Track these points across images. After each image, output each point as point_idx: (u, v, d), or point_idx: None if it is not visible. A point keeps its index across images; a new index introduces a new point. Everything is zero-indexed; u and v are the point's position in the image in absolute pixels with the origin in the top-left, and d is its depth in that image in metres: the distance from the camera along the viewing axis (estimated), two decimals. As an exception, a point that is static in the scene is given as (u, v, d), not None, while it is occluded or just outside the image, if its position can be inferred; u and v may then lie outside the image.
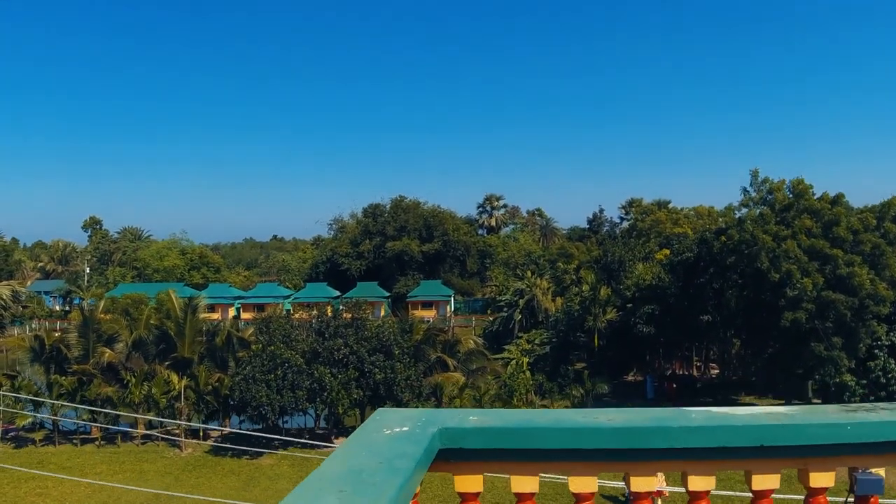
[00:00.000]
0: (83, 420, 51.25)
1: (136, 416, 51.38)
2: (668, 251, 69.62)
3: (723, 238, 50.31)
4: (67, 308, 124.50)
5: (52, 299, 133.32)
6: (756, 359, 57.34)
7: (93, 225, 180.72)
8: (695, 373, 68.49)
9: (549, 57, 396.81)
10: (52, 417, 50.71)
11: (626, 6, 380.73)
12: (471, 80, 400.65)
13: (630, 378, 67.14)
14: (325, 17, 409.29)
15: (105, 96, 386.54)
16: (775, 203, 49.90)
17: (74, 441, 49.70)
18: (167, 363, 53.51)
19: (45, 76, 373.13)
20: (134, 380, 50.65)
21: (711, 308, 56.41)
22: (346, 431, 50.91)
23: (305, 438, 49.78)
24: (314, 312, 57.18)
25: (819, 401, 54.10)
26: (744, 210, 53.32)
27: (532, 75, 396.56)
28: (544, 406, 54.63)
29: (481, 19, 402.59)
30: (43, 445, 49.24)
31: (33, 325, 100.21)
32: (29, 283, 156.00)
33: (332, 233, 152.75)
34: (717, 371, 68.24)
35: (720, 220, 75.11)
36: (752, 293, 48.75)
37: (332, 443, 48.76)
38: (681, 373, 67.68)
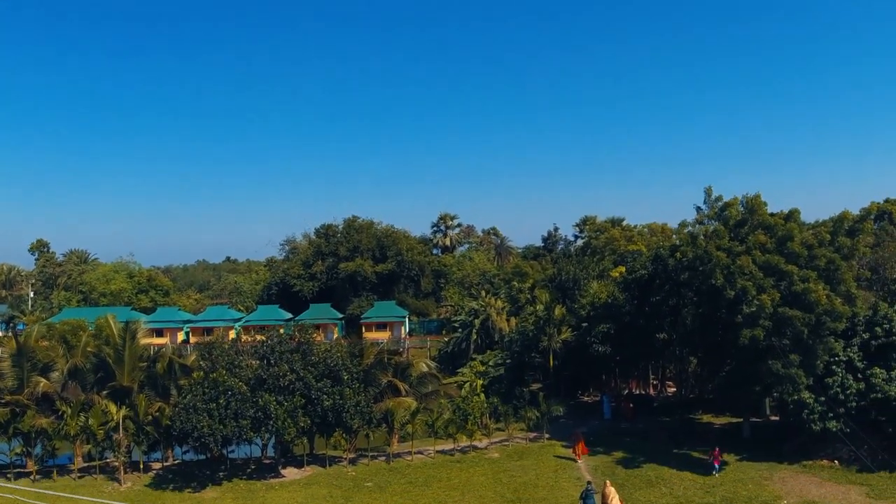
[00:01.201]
0: (17, 453, 48.58)
1: (73, 448, 49.04)
2: (622, 269, 68.86)
3: (677, 255, 49.41)
4: (10, 334, 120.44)
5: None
6: (713, 376, 56.66)
7: (40, 248, 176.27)
8: (651, 391, 67.72)
9: (503, 77, 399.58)
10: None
11: (585, 30, 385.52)
12: (423, 98, 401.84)
13: (586, 398, 66.13)
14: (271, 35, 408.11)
15: (58, 115, 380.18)
16: (729, 219, 49.23)
17: (7, 475, 47.00)
18: (105, 392, 51.07)
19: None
20: (70, 410, 48.20)
21: (667, 326, 55.60)
22: (294, 461, 49.07)
23: (251, 469, 47.91)
24: (261, 337, 55.07)
25: (777, 418, 53.51)
26: (698, 227, 52.47)
27: (485, 94, 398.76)
28: (499, 430, 53.30)
29: (435, 35, 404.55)
30: (-28, 481, 46.58)
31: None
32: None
33: (285, 254, 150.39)
34: (673, 389, 67.52)
35: (674, 236, 74.66)
36: (708, 310, 47.90)
37: (280, 473, 46.86)
38: (637, 392, 66.87)
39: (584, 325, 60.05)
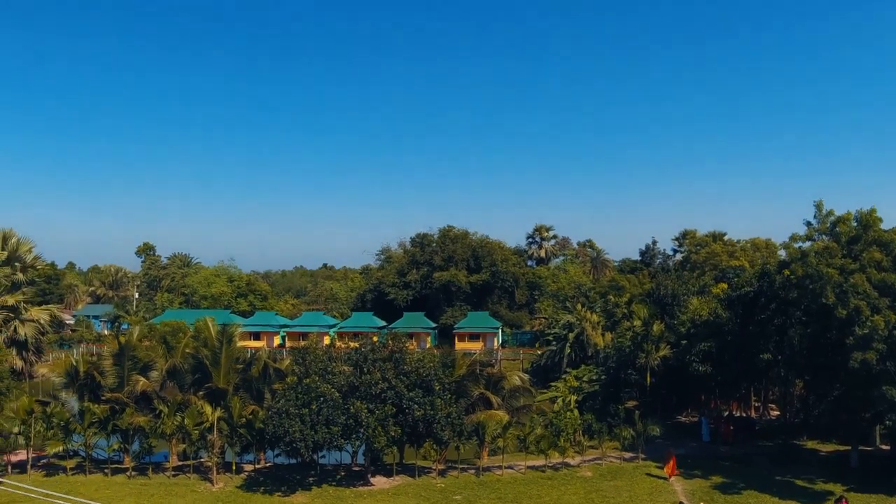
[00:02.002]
0: (115, 449, 49.78)
1: (169, 446, 50.01)
2: (725, 285, 66.34)
3: (785, 272, 47.13)
4: (118, 332, 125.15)
5: (101, 323, 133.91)
6: (820, 401, 53.84)
7: (146, 251, 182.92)
8: (753, 414, 64.92)
9: (601, 90, 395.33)
10: (82, 446, 49.39)
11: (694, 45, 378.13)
12: (523, 113, 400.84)
13: (684, 419, 63.87)
14: (365, 49, 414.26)
15: (168, 128, 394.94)
16: (841, 235, 46.72)
17: (106, 471, 48.20)
18: (202, 393, 52.00)
19: (105, 108, 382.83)
20: (167, 409, 49.20)
21: (772, 346, 53.12)
22: (384, 470, 48.76)
23: (341, 475, 47.84)
24: (354, 344, 55.09)
25: (888, 447, 50.48)
26: (807, 242, 49.90)
27: (584, 104, 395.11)
28: (592, 448, 51.86)
29: (537, 41, 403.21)
30: (74, 474, 47.94)
31: (80, 350, 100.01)
32: (80, 306, 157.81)
33: (380, 263, 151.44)
34: (776, 413, 64.62)
35: (780, 252, 71.59)
36: (817, 331, 45.55)
37: (369, 481, 46.60)
38: (738, 414, 64.15)
39: (684, 342, 57.94)
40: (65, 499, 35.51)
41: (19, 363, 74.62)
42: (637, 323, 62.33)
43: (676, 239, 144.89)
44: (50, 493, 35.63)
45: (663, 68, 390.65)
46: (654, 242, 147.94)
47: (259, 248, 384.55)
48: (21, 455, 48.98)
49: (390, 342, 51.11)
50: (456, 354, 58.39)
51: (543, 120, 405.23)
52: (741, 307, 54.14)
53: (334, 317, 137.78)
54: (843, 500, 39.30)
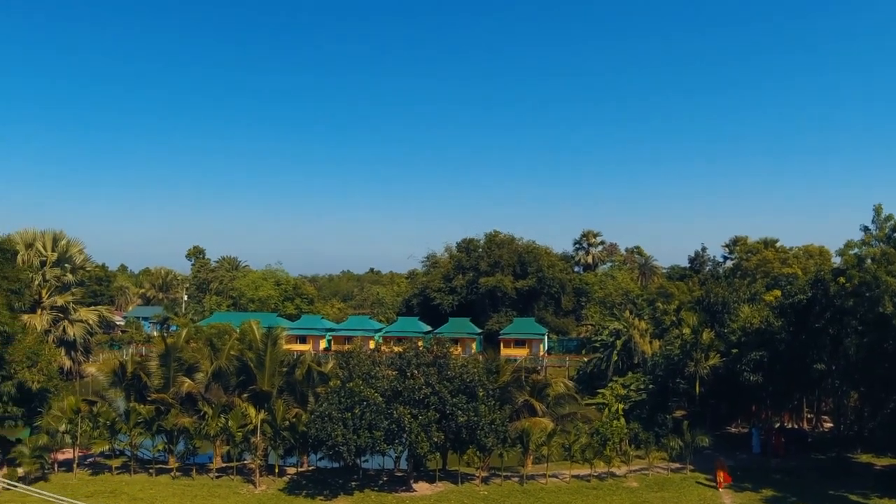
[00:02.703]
0: (160, 449, 50.13)
1: (213, 447, 50.21)
2: (778, 292, 64.69)
3: (841, 279, 45.73)
4: (164, 334, 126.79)
5: (150, 325, 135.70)
6: (875, 413, 52.21)
7: (196, 254, 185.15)
8: (805, 426, 63.18)
9: (651, 95, 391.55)
10: (127, 445, 49.81)
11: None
12: (568, 118, 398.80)
13: (734, 430, 62.39)
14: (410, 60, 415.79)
15: (220, 132, 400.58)
16: (901, 242, 45.34)
17: (150, 471, 48.54)
18: (246, 395, 52.07)
19: (157, 113, 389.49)
20: (211, 411, 49.39)
21: (826, 356, 51.66)
22: (426, 475, 48.33)
23: (383, 480, 47.51)
24: (398, 349, 54.77)
25: (948, 463, 48.71)
26: (864, 249, 48.29)
27: (632, 113, 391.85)
28: (639, 457, 50.84)
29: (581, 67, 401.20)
30: (119, 473, 48.40)
31: (130, 350, 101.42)
32: (130, 308, 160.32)
33: (426, 268, 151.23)
34: (830, 425, 62.79)
35: (834, 260, 69.72)
36: (874, 341, 44.12)
37: (412, 487, 46.21)
38: (790, 426, 62.47)
39: (734, 351, 56.55)
40: (60, 500, 35.50)
41: (68, 363, 75.75)
42: (686, 331, 61.07)
43: (727, 245, 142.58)
44: (44, 494, 35.75)
45: (715, 76, 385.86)
46: (704, 249, 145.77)
47: (307, 253, 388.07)
48: (68, 453, 49.55)
49: (434, 347, 50.68)
50: (501, 360, 57.82)
51: (593, 125, 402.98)
52: (794, 316, 52.68)
53: (380, 321, 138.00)
54: None
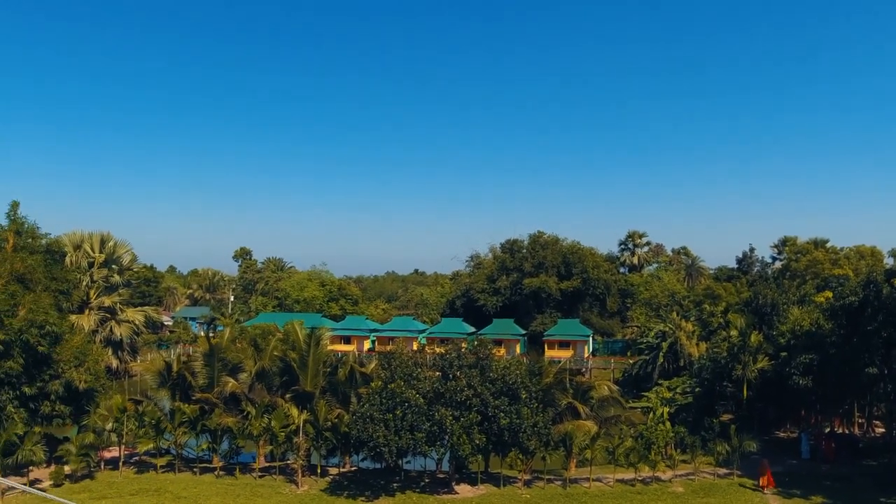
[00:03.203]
0: (203, 449, 50.54)
1: (256, 447, 50.52)
2: (829, 294, 63.21)
3: (894, 281, 44.48)
4: (212, 334, 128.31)
5: (197, 325, 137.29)
6: (931, 420, 50.69)
7: (243, 255, 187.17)
8: (856, 431, 61.67)
9: (699, 94, 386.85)
10: (172, 444, 50.29)
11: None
12: (615, 119, 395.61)
13: (782, 434, 61.08)
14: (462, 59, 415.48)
15: (267, 136, 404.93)
16: (958, 243, 43.94)
17: (194, 469, 48.98)
18: (289, 395, 52.41)
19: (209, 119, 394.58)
20: (255, 411, 49.69)
21: (879, 360, 50.29)
22: (468, 478, 48.07)
23: (425, 482, 47.33)
24: (440, 350, 54.57)
25: None
26: (919, 250, 47.04)
27: (677, 113, 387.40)
28: (684, 462, 50.01)
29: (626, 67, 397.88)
30: (164, 472, 48.90)
31: (177, 350, 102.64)
32: (178, 308, 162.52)
33: (470, 269, 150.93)
34: (882, 430, 61.19)
35: (887, 260, 67.99)
36: (929, 345, 42.89)
37: (454, 489, 45.96)
38: (840, 431, 61.02)
39: (783, 354, 55.33)
40: None
41: (115, 362, 76.94)
42: (734, 333, 59.94)
43: (775, 246, 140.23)
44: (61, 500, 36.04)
45: (764, 74, 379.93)
46: (752, 250, 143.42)
47: (351, 254, 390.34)
48: (114, 452, 50.22)
49: (477, 348, 50.36)
50: (544, 362, 57.30)
51: (638, 124, 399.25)
52: (845, 318, 51.32)
53: (424, 322, 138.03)
54: None
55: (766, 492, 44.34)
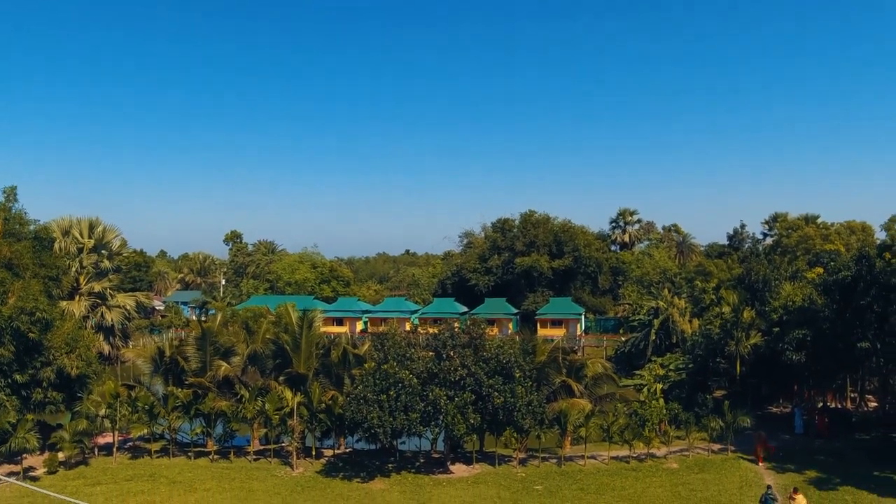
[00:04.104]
0: (198, 433, 50.38)
1: (250, 430, 50.46)
2: (820, 269, 63.31)
3: (886, 255, 44.43)
4: (204, 318, 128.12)
5: (189, 309, 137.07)
6: (923, 393, 50.88)
7: (233, 238, 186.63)
8: (849, 406, 61.89)
9: (688, 68, 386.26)
10: (166, 429, 50.14)
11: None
12: (603, 97, 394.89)
13: (776, 410, 61.26)
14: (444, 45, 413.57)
15: (255, 118, 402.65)
16: (950, 216, 43.88)
17: (189, 454, 48.87)
18: (282, 378, 52.39)
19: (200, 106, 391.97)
20: (248, 394, 49.60)
21: (871, 334, 50.32)
22: (463, 457, 48.10)
23: (420, 462, 47.36)
24: (433, 330, 54.49)
25: None
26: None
27: (666, 89, 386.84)
28: (678, 438, 50.15)
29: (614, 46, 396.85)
30: (158, 457, 48.69)
31: (169, 335, 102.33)
32: (169, 293, 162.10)
33: (462, 248, 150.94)
34: (874, 404, 61.40)
35: (878, 235, 68.09)
36: (922, 319, 42.90)
37: (449, 469, 45.98)
38: (833, 405, 61.24)
39: (776, 329, 55.39)
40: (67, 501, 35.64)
41: (107, 348, 76.54)
42: (726, 309, 60.01)
43: (766, 222, 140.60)
44: (53, 494, 35.98)
45: (753, 49, 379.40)
46: (743, 226, 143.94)
47: (342, 235, 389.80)
48: (108, 438, 50.01)
49: (470, 328, 50.26)
50: (537, 341, 57.23)
51: (627, 101, 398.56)
52: (838, 293, 51.31)
53: (416, 303, 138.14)
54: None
55: (761, 464, 44.53)
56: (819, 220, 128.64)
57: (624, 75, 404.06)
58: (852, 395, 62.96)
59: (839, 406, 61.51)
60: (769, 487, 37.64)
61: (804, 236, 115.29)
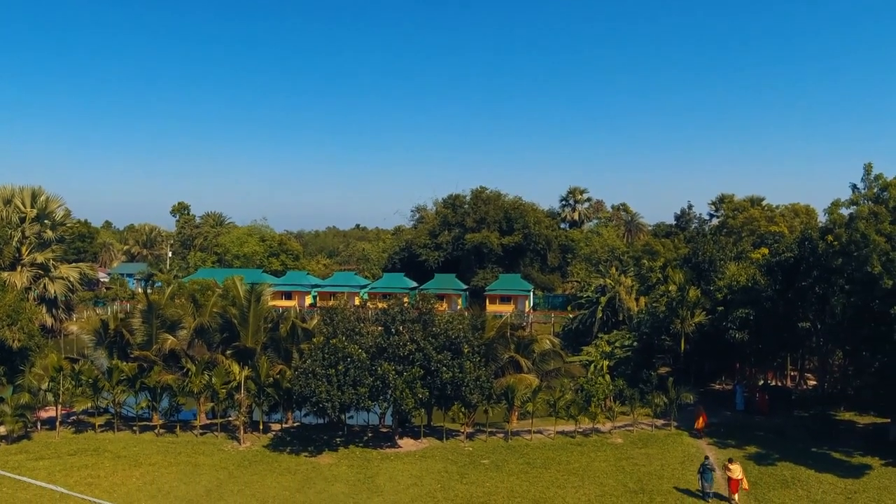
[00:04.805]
0: (143, 407, 49.72)
1: (197, 405, 49.99)
2: (765, 250, 64.47)
3: (829, 238, 45.37)
4: (148, 291, 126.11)
5: (135, 282, 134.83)
6: (861, 372, 52.20)
7: (181, 210, 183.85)
8: (789, 384, 63.45)
9: (638, 44, 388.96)
10: (111, 403, 49.40)
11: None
12: (555, 69, 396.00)
13: (718, 387, 62.51)
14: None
15: (202, 87, 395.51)
16: (890, 201, 44.72)
17: (134, 428, 48.25)
18: (229, 352, 51.87)
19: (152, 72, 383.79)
20: (195, 368, 49.04)
21: (812, 315, 51.58)
22: (411, 432, 48.28)
23: (368, 437, 47.41)
24: (383, 305, 54.37)
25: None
26: (852, 208, 47.77)
27: (616, 67, 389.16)
28: (623, 414, 50.94)
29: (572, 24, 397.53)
30: (102, 431, 47.96)
31: (114, 307, 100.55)
32: (115, 265, 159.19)
33: (413, 223, 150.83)
34: (813, 383, 63.01)
35: (821, 218, 69.49)
36: (861, 300, 43.88)
37: (397, 443, 46.12)
38: (774, 383, 62.73)
39: (720, 308, 56.38)
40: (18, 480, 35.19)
41: (49, 321, 74.88)
42: (672, 288, 60.86)
43: (713, 203, 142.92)
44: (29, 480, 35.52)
45: (703, 27, 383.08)
46: (690, 207, 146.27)
47: (291, 209, 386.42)
48: (51, 412, 49.10)
49: (420, 303, 50.27)
50: (486, 316, 57.50)
51: (578, 80, 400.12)
52: (781, 274, 52.44)
53: (366, 277, 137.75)
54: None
55: (701, 433, 45.50)
56: (764, 203, 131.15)
57: (576, 52, 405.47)
58: (792, 374, 64.56)
59: (780, 384, 63.01)
60: (707, 458, 38.63)
61: (749, 218, 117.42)
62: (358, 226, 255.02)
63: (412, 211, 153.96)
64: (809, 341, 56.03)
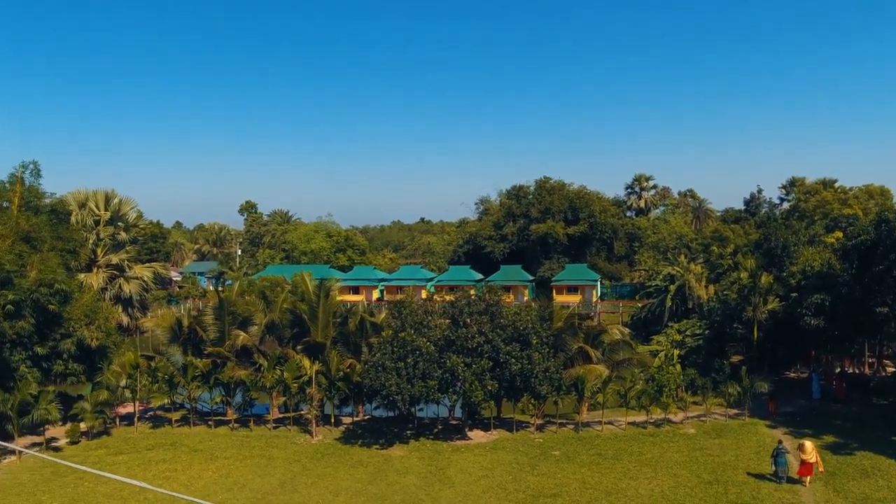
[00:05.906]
0: (217, 402, 50.82)
1: (269, 399, 50.90)
2: (839, 234, 62.70)
3: (906, 219, 44.02)
4: (219, 288, 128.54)
5: (206, 280, 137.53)
6: (942, 358, 50.60)
7: (248, 209, 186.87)
8: (867, 371, 61.67)
9: (704, 33, 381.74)
10: (186, 399, 50.59)
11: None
12: (619, 59, 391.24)
13: (793, 375, 61.13)
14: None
15: (270, 89, 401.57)
16: (971, 180, 43.25)
17: (209, 423, 49.37)
18: (300, 347, 52.59)
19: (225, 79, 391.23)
20: (266, 363, 49.94)
21: (890, 299, 49.99)
22: (481, 424, 48.35)
23: (438, 429, 47.65)
24: (450, 298, 54.52)
25: None
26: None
27: (683, 52, 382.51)
28: (695, 404, 50.17)
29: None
30: (179, 426, 49.23)
31: (187, 305, 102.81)
32: (186, 263, 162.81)
33: (478, 214, 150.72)
34: (892, 369, 61.18)
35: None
36: (942, 284, 42.52)
37: (467, 435, 46.26)
38: (851, 371, 61.04)
39: (794, 295, 54.98)
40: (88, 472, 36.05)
41: (125, 319, 77.09)
42: (743, 275, 59.58)
43: (783, 187, 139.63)
44: (75, 465, 36.38)
45: (769, 13, 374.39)
46: (760, 191, 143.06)
47: (357, 204, 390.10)
48: (129, 408, 50.54)
49: (486, 295, 50.26)
50: (554, 307, 57.16)
51: (644, 65, 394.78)
52: (857, 258, 50.83)
53: (431, 270, 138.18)
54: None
55: (776, 417, 44.76)
56: (837, 185, 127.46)
57: (640, 40, 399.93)
58: (870, 361, 62.76)
59: (857, 371, 61.33)
60: (780, 442, 37.88)
61: (822, 201, 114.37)
62: (422, 219, 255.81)
63: (476, 203, 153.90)
64: (887, 327, 54.32)
